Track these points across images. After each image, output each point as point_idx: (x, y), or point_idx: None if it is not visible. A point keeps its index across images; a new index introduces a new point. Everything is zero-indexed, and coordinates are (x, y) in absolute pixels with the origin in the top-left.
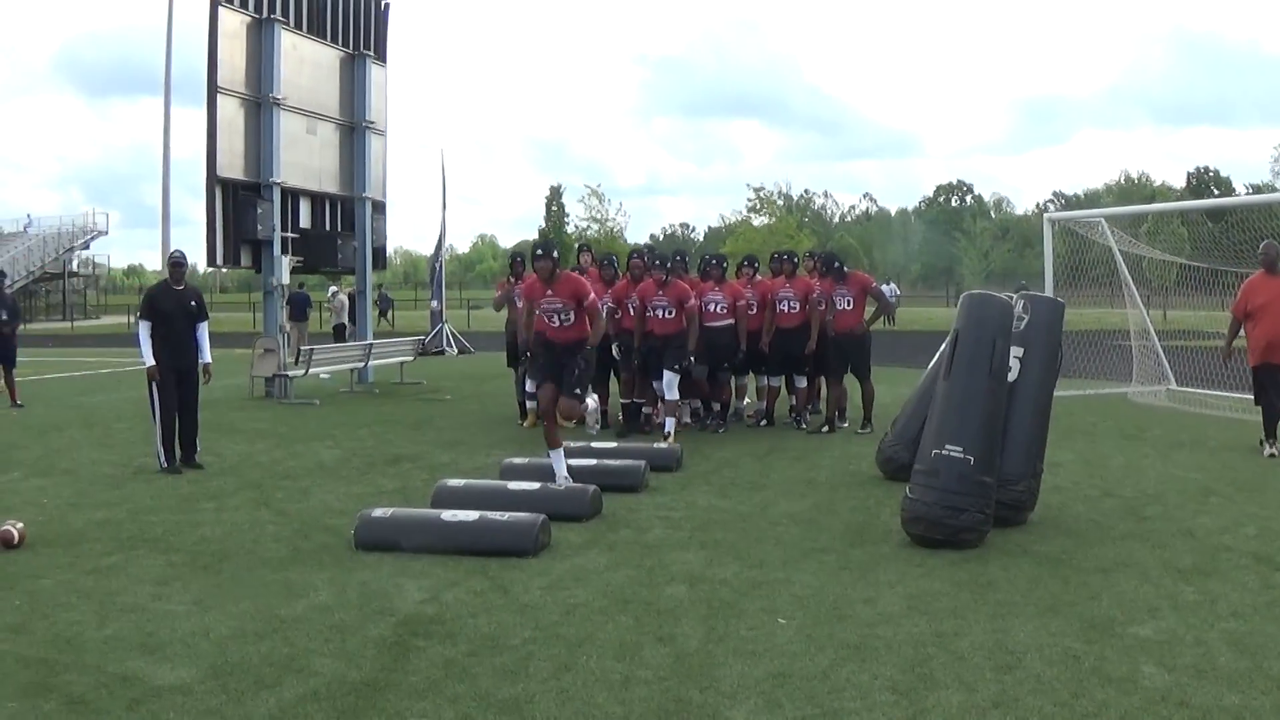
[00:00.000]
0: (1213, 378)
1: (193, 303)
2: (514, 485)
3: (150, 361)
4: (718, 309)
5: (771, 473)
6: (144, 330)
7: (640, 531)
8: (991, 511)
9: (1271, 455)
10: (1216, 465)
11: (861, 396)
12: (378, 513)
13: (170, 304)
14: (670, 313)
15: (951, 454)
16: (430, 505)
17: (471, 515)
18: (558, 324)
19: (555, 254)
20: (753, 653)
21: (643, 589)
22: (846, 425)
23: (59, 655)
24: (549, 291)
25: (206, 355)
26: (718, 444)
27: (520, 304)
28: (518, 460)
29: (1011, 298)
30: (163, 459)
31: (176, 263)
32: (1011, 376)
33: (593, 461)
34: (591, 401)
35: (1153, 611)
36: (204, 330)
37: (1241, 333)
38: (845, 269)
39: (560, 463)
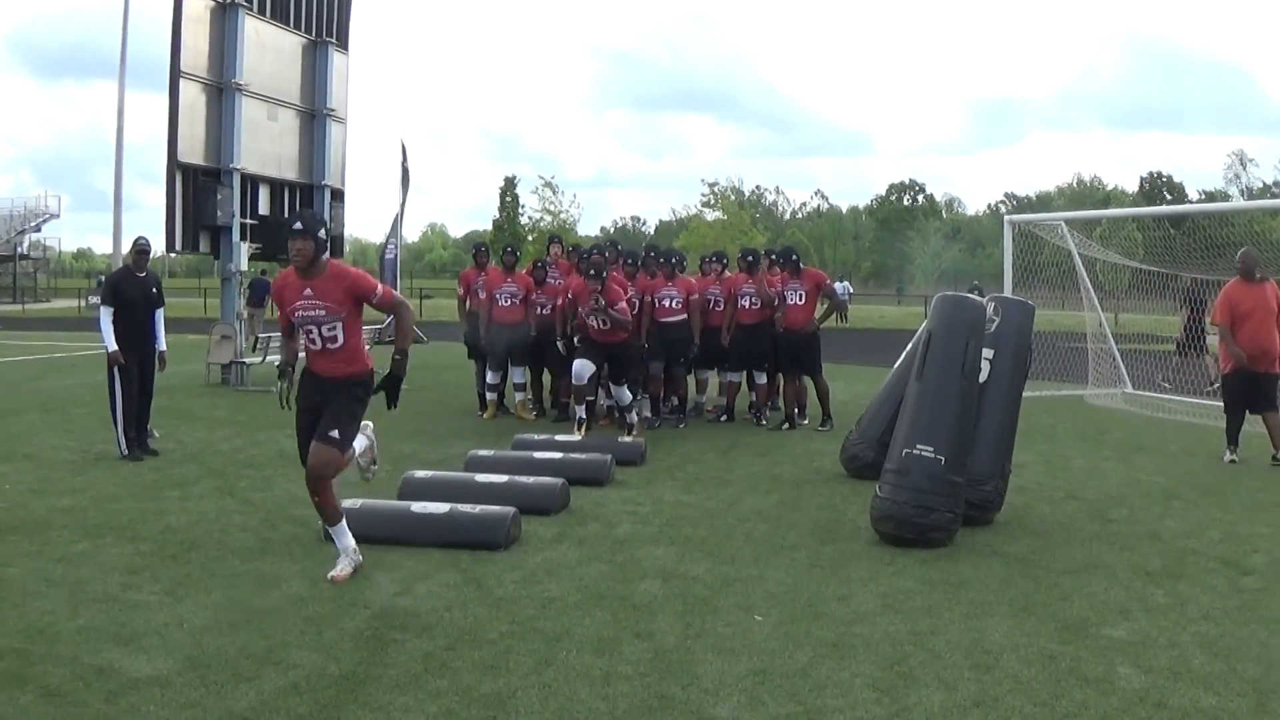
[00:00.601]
0: (1169, 381)
1: (153, 289)
2: (481, 478)
3: (113, 347)
4: (672, 304)
5: (735, 468)
6: (106, 316)
7: (609, 526)
8: (961, 511)
9: (1232, 461)
10: (1178, 469)
11: (816, 393)
12: (346, 504)
13: (133, 290)
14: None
15: (923, 454)
16: (398, 497)
17: (442, 508)
18: (319, 345)
19: (321, 232)
20: (731, 649)
21: (616, 584)
22: (806, 422)
23: (32, 646)
24: (306, 290)
25: (162, 343)
26: (680, 439)
27: (482, 295)
28: (483, 452)
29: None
30: (124, 446)
31: (143, 250)
32: (981, 378)
33: (558, 455)
34: (361, 441)
35: (1124, 613)
36: (160, 317)
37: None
38: (801, 264)
39: (345, 539)
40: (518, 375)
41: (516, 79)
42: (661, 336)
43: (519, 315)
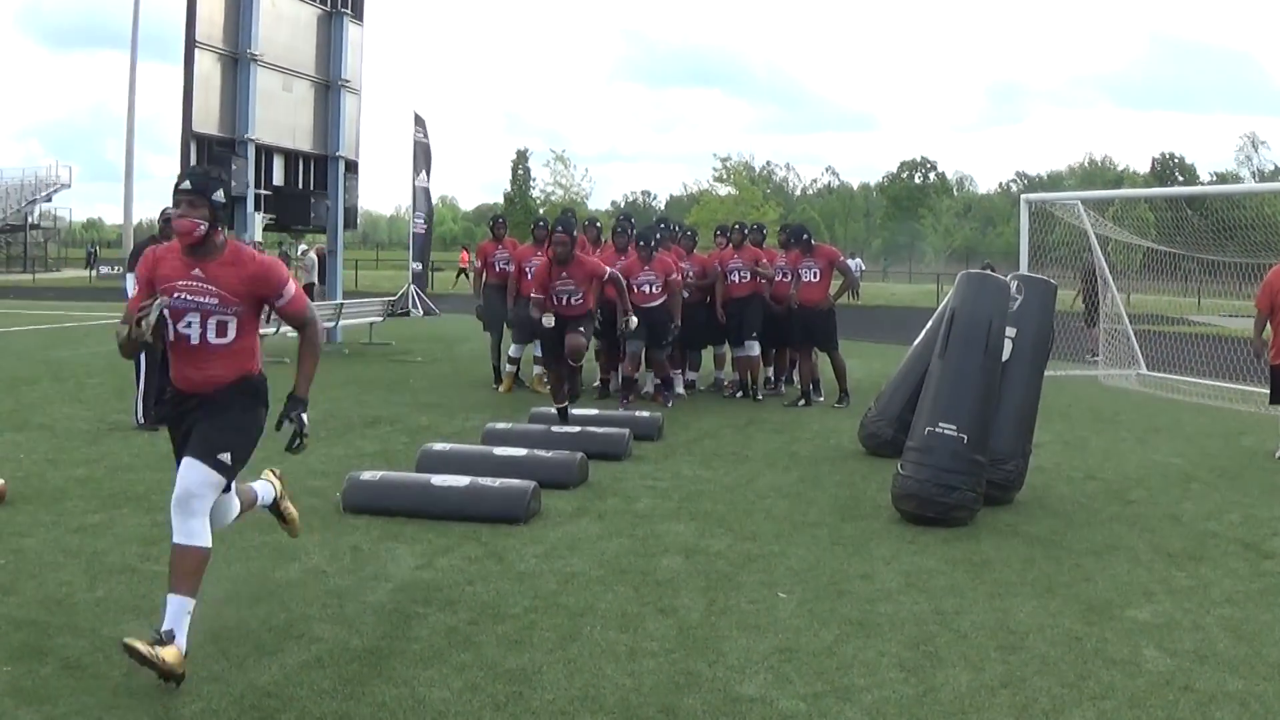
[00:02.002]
0: (1182, 363)
1: None
2: (500, 451)
3: None
4: (651, 290)
5: (752, 445)
6: (132, 283)
7: (629, 500)
8: (983, 490)
9: None
10: (1194, 451)
11: (833, 369)
12: (366, 476)
13: None
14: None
15: (945, 432)
16: (416, 469)
17: (462, 481)
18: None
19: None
20: (756, 626)
21: (638, 559)
22: (822, 399)
23: (51, 617)
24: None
25: None
26: (697, 414)
27: (509, 268)
28: (500, 425)
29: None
30: (140, 416)
31: (171, 219)
32: (1004, 356)
33: (576, 429)
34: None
35: (1148, 595)
36: None
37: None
38: (813, 241)
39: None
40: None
41: (526, 52)
42: (641, 320)
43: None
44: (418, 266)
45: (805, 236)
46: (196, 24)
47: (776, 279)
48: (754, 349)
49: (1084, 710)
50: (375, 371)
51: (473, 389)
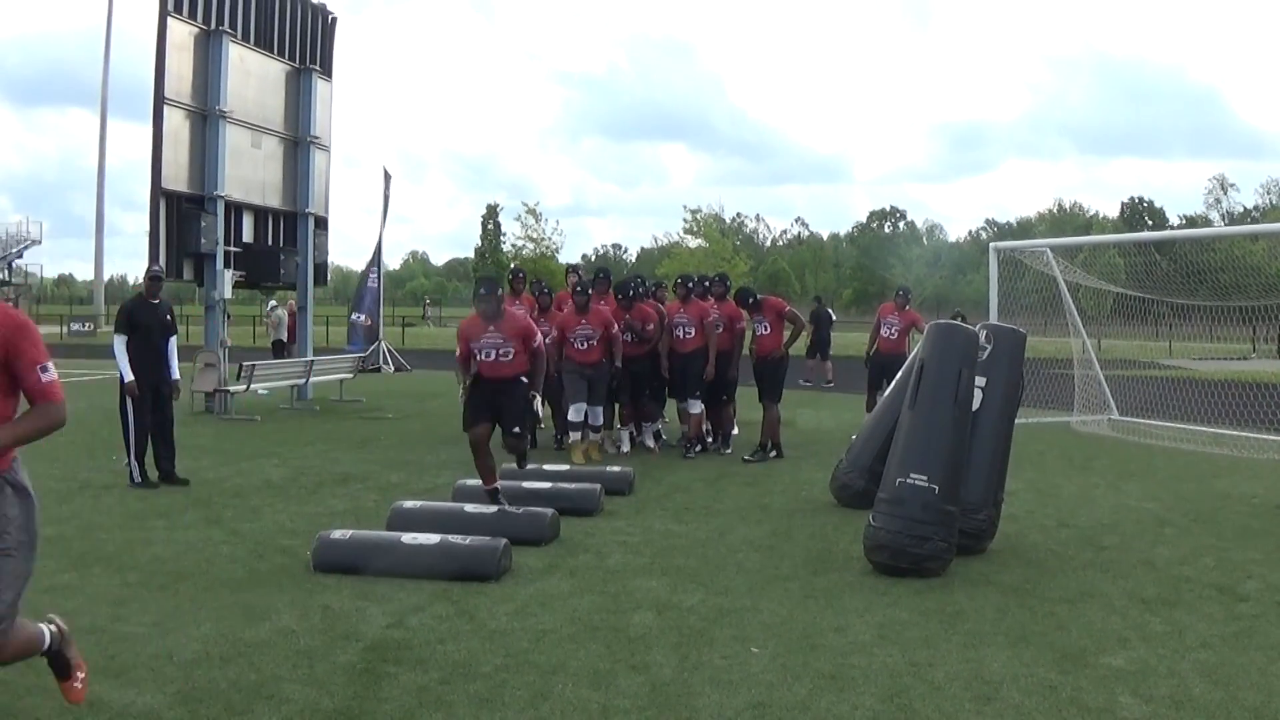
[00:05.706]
0: (1154, 407)
1: (167, 316)
2: (470, 508)
3: (130, 377)
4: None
5: (724, 498)
6: (121, 344)
7: (600, 557)
8: (955, 540)
9: None
10: (1168, 496)
11: (764, 420)
12: (337, 534)
13: (148, 318)
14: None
15: (916, 483)
16: (387, 527)
17: (433, 539)
18: None
19: None
20: (729, 682)
21: (610, 616)
22: (729, 450)
23: (20, 679)
24: None
25: (175, 371)
26: (668, 468)
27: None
28: (471, 482)
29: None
30: (136, 474)
31: (155, 277)
32: (974, 406)
33: (547, 485)
34: None
35: (1123, 642)
36: (173, 345)
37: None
38: (758, 298)
39: None
40: (596, 416)
41: (492, 107)
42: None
43: (596, 356)
44: (355, 317)
45: (751, 299)
46: (166, 80)
47: (719, 331)
48: (695, 406)
49: None
50: (346, 428)
51: (443, 445)
